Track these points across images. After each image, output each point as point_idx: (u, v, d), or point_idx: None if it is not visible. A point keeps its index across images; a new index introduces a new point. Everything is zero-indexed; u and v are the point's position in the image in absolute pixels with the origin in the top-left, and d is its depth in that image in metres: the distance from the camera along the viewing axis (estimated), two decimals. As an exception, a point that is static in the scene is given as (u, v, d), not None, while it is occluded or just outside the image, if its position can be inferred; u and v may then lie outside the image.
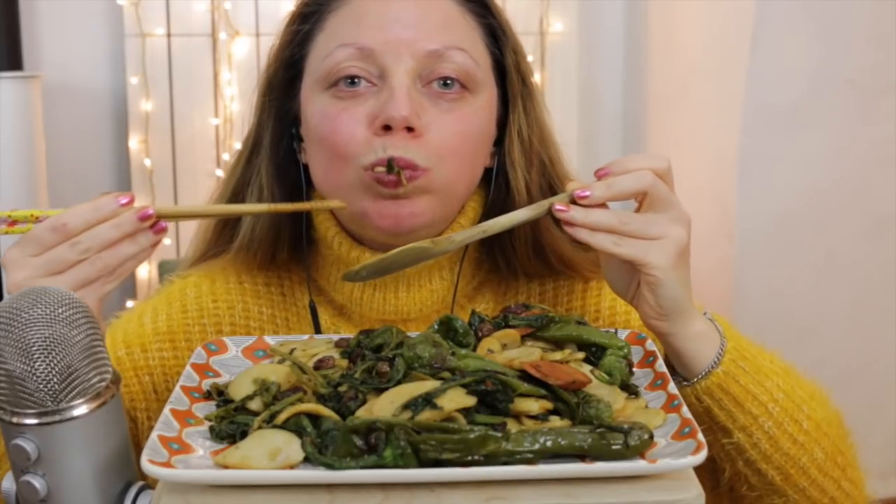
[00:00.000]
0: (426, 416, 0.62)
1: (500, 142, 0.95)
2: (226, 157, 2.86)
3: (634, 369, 0.76)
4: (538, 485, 0.60)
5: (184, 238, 2.85)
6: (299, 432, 0.63)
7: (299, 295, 0.98)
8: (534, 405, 0.65)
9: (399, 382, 0.67)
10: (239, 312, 0.97)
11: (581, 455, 0.62)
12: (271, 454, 0.62)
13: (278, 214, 0.93)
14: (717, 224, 2.48)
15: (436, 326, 0.77)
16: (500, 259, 0.97)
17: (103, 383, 0.64)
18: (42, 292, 0.62)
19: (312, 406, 0.65)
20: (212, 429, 0.67)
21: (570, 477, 0.60)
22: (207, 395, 0.73)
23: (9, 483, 0.65)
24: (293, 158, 0.95)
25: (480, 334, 0.77)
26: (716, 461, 0.85)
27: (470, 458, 0.60)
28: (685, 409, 0.67)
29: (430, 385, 0.65)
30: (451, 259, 0.93)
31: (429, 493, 0.59)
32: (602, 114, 3.10)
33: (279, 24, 0.96)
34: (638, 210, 0.80)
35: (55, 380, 0.61)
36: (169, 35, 2.83)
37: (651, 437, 0.63)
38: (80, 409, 0.62)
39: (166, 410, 0.67)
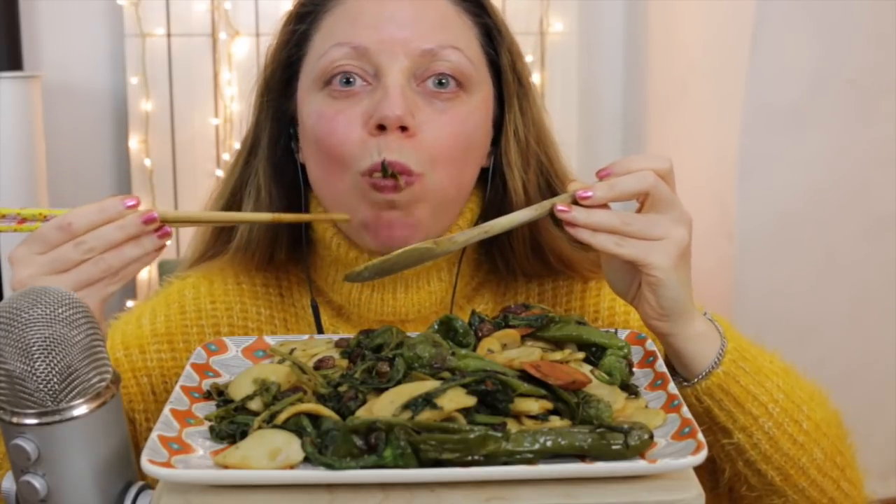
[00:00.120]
0: (426, 416, 0.62)
1: (497, 142, 0.95)
2: (226, 157, 2.87)
3: (634, 369, 0.76)
4: (538, 485, 0.60)
5: (184, 238, 2.85)
6: (299, 432, 0.63)
7: (298, 295, 0.98)
8: (534, 405, 0.65)
9: (399, 382, 0.67)
10: (237, 313, 0.97)
11: (581, 455, 0.62)
12: (271, 454, 0.62)
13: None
14: (717, 224, 2.48)
15: (436, 326, 0.77)
16: (498, 259, 0.97)
17: (103, 383, 0.64)
18: (42, 292, 0.62)
19: (312, 406, 0.65)
20: (212, 429, 0.67)
21: (570, 477, 0.60)
22: (207, 395, 0.73)
23: (9, 483, 0.64)
24: (291, 158, 0.95)
25: (480, 334, 0.77)
26: (716, 461, 0.85)
27: (470, 458, 0.60)
28: (685, 409, 0.67)
29: (430, 385, 0.65)
30: (450, 260, 0.93)
31: (429, 493, 0.59)
32: (602, 114, 3.10)
33: (277, 24, 0.96)
34: (639, 210, 0.80)
35: (55, 380, 0.61)
36: (169, 35, 2.83)
37: (651, 437, 0.63)
38: (80, 409, 0.62)
39: (166, 410, 0.67)
